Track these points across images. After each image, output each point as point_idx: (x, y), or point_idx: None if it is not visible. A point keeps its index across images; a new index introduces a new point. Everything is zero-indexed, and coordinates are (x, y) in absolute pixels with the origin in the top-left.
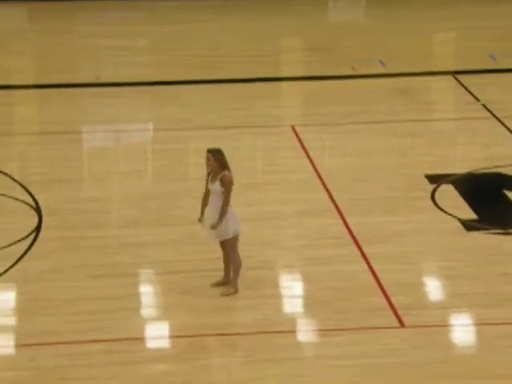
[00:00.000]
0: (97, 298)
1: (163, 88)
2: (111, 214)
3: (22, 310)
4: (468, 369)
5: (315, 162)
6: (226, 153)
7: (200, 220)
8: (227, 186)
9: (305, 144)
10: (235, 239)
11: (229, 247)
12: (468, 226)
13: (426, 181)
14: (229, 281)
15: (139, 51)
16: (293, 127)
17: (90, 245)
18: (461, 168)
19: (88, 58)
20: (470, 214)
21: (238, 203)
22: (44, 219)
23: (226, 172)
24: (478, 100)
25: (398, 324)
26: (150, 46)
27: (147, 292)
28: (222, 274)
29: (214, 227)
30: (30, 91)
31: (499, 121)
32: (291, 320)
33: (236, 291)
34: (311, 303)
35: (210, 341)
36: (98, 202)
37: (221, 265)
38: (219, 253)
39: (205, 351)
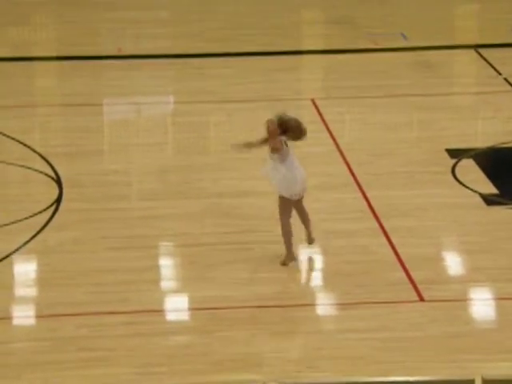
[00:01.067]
0: (117, 270)
1: (184, 61)
2: (132, 187)
3: (43, 281)
4: (487, 343)
5: (335, 136)
6: (247, 126)
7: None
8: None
9: (325, 117)
10: (286, 201)
11: (279, 205)
12: (489, 200)
13: (446, 155)
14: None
15: (161, 23)
16: (313, 100)
17: (110, 217)
18: (482, 142)
19: (110, 31)
20: (490, 189)
21: (258, 176)
22: (64, 191)
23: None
24: (499, 74)
25: (417, 298)
26: (171, 18)
27: (167, 264)
28: (243, 247)
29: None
30: (52, 63)
31: None
32: (311, 293)
33: (292, 259)
34: (331, 277)
35: (230, 313)
36: (119, 174)
37: (242, 238)
38: (240, 226)
39: (225, 324)
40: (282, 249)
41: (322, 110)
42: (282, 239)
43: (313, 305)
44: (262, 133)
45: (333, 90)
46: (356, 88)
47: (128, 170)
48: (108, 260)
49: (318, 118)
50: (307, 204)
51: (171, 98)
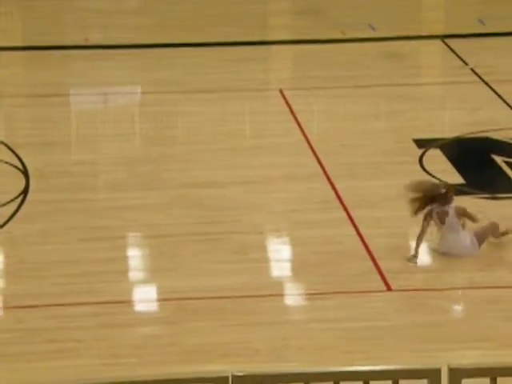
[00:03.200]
0: (85, 261)
1: (151, 51)
2: (99, 177)
3: (9, 272)
4: (454, 332)
5: (303, 126)
6: (214, 117)
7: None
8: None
9: (293, 108)
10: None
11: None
12: (456, 190)
13: (414, 145)
14: None
15: (128, 13)
16: (281, 91)
17: (77, 208)
18: (449, 132)
19: (76, 20)
20: (457, 179)
21: (225, 167)
22: (31, 182)
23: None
24: (466, 64)
25: (384, 288)
26: (139, 8)
27: (135, 255)
28: (211, 237)
29: None
30: (18, 53)
31: (487, 85)
32: (278, 284)
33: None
34: (298, 267)
35: (197, 304)
36: (86, 164)
37: (209, 228)
38: (208, 217)
39: (192, 314)
40: (249, 239)
41: (290, 101)
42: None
43: (280, 295)
44: (229, 124)
45: (301, 80)
46: (324, 78)
47: (95, 161)
48: (75, 251)
49: (286, 109)
50: (275, 194)
51: (138, 89)
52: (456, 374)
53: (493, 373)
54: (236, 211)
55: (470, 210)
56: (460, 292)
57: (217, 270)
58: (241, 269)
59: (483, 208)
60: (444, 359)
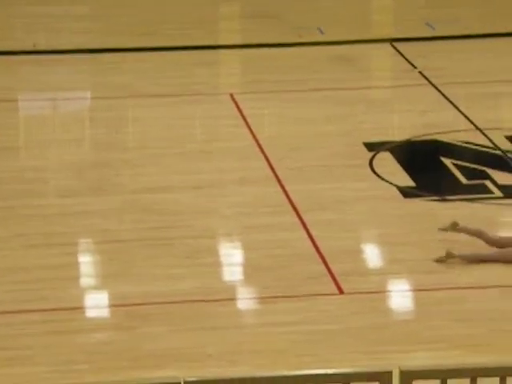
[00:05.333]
0: (34, 268)
1: (101, 55)
2: (49, 183)
3: None
4: (406, 334)
5: (254, 131)
6: (165, 122)
7: None
8: None
9: (244, 112)
10: None
11: None
12: (405, 192)
13: (364, 148)
14: None
15: (78, 18)
16: (231, 95)
17: (27, 214)
18: (398, 135)
19: (25, 26)
20: (407, 181)
21: (177, 171)
22: None
23: None
24: (415, 67)
25: (337, 291)
26: (88, 12)
27: (86, 261)
28: (163, 242)
29: None
30: None
31: (436, 88)
32: (231, 288)
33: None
34: (251, 271)
35: (149, 309)
36: (36, 171)
37: (161, 233)
38: (159, 222)
39: (145, 320)
40: (201, 243)
41: (240, 105)
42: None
43: (233, 299)
44: (180, 129)
45: (251, 84)
46: (274, 82)
47: (45, 167)
48: (25, 258)
49: (237, 113)
50: (227, 198)
51: (88, 94)
52: (407, 376)
53: (443, 375)
54: (188, 216)
55: (420, 211)
56: (411, 294)
57: (169, 274)
58: (193, 273)
59: (434, 210)
60: (396, 361)
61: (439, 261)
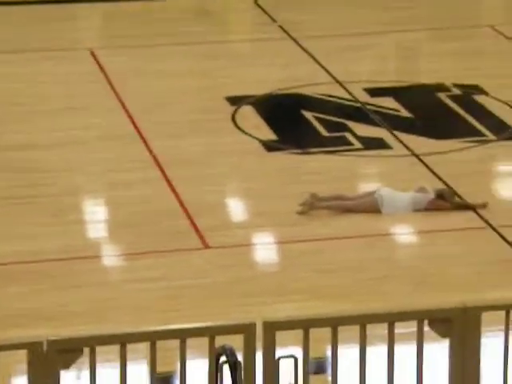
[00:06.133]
0: None
1: None
2: None
3: None
4: (271, 285)
5: (116, 86)
6: (25, 78)
7: None
8: None
9: (105, 67)
10: None
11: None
12: (268, 146)
13: (226, 102)
14: None
15: None
16: (91, 50)
17: None
18: (260, 89)
19: None
20: (269, 135)
21: (40, 128)
22: None
23: None
24: (274, 21)
25: (202, 245)
26: None
27: None
28: (28, 200)
29: None
30: None
31: (296, 41)
32: (96, 245)
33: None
34: (116, 228)
35: (14, 268)
36: None
37: (26, 191)
38: (25, 180)
39: (10, 279)
40: (66, 201)
41: (101, 60)
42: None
43: (98, 256)
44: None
45: (111, 39)
46: (135, 37)
47: None
48: None
49: (98, 68)
50: (91, 155)
51: None
52: (270, 327)
53: (305, 324)
54: (52, 173)
55: (283, 165)
56: (275, 246)
57: (35, 233)
58: (58, 231)
59: (296, 163)
60: (261, 313)
61: (302, 212)
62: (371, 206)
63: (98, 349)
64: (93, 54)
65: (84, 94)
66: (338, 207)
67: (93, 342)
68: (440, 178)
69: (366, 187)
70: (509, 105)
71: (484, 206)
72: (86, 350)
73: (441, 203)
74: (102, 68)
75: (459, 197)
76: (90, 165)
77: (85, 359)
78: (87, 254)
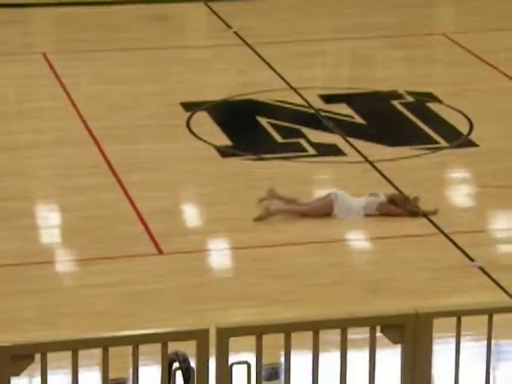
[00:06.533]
0: None
1: None
2: None
3: None
4: (225, 291)
5: (69, 90)
6: None
7: None
8: None
9: (58, 72)
10: None
11: None
12: (223, 152)
13: (181, 108)
14: None
15: None
16: (44, 54)
17: None
18: (215, 95)
19: None
20: (224, 141)
21: None
22: None
23: None
24: (230, 27)
25: (156, 251)
26: None
27: None
28: None
29: None
30: None
31: (251, 48)
32: (49, 250)
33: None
34: (69, 233)
35: None
36: None
37: None
38: None
39: None
40: (17, 206)
41: (54, 65)
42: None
43: (51, 262)
44: None
45: (65, 43)
46: (89, 42)
47: None
48: None
49: (51, 73)
50: (43, 159)
51: None
52: (223, 333)
53: (259, 330)
54: (3, 177)
55: (238, 170)
56: (229, 252)
57: None
58: (10, 236)
59: (250, 169)
60: (214, 319)
61: (258, 219)
62: (327, 207)
63: (50, 355)
64: (46, 58)
65: (37, 98)
66: (294, 212)
67: (44, 348)
68: (393, 185)
69: (319, 193)
70: (461, 112)
71: (435, 212)
72: (38, 357)
73: (392, 208)
74: (55, 72)
75: (411, 203)
76: (42, 169)
77: (36, 365)
78: (39, 260)
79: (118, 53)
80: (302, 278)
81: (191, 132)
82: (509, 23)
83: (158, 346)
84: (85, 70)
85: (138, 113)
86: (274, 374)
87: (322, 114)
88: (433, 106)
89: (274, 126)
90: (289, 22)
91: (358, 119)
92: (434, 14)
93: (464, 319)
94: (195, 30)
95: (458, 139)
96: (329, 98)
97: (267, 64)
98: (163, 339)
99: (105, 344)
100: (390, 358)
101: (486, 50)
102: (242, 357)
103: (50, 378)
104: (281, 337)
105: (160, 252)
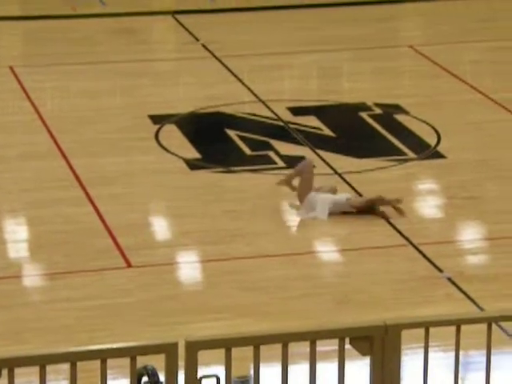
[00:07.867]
0: None
1: None
2: None
3: None
4: (195, 304)
5: (36, 104)
6: None
7: None
8: None
9: (25, 85)
10: None
11: None
12: (192, 165)
13: (149, 121)
14: None
15: None
16: (11, 68)
17: None
18: (183, 108)
19: None
20: (193, 153)
21: None
22: None
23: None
24: (197, 40)
25: (125, 264)
26: None
27: None
28: None
29: None
30: None
31: (219, 60)
32: (16, 265)
33: None
34: (37, 247)
35: None
36: None
37: None
38: None
39: None
40: None
41: (21, 78)
42: None
43: (18, 276)
44: None
45: (32, 57)
46: (56, 55)
47: None
48: None
49: (18, 86)
50: (10, 173)
51: None
52: (192, 346)
53: (228, 343)
54: None
55: (207, 183)
56: (198, 265)
57: None
58: None
59: (219, 181)
60: (183, 332)
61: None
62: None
63: (18, 370)
64: (13, 72)
65: (4, 112)
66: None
67: (12, 364)
68: (362, 196)
69: (289, 206)
70: (429, 124)
71: (398, 201)
72: (5, 372)
73: (357, 205)
74: (22, 86)
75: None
76: (9, 183)
77: (3, 381)
78: (6, 274)
79: (86, 66)
80: (272, 290)
81: (160, 145)
82: (475, 36)
83: (126, 361)
84: (52, 84)
85: (106, 126)
86: None
87: (291, 126)
88: (400, 117)
89: (242, 138)
90: (256, 35)
91: (327, 131)
92: (400, 26)
93: (432, 330)
94: (162, 43)
95: (426, 151)
96: (297, 111)
97: (235, 76)
98: (132, 353)
99: (73, 359)
100: (359, 370)
101: (453, 62)
102: (211, 370)
103: None
104: (250, 349)
105: (129, 265)
